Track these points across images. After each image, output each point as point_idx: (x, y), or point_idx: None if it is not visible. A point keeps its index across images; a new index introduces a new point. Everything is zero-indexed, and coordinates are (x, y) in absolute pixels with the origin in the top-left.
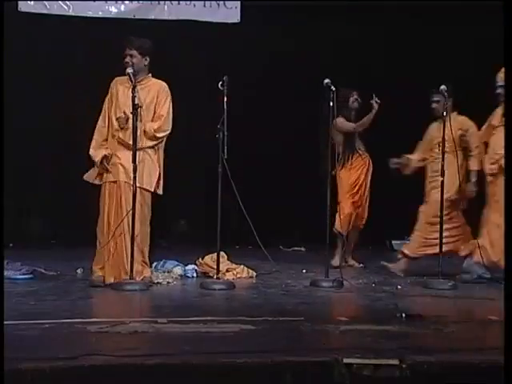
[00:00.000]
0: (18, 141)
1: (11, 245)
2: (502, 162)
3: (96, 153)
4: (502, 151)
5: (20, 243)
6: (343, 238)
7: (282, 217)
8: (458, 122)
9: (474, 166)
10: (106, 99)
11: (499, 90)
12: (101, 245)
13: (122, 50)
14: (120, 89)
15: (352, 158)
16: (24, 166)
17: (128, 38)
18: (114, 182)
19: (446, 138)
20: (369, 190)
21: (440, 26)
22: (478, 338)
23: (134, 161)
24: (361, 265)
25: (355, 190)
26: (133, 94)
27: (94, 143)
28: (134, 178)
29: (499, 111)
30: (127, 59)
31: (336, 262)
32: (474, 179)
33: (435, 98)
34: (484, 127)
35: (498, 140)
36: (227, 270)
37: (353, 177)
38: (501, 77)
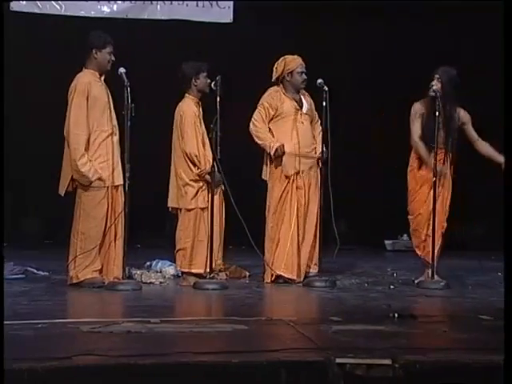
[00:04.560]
0: (15, 140)
1: (5, 244)
2: None
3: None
4: None
5: (14, 243)
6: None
7: None
8: None
9: None
10: (79, 101)
11: None
12: (97, 247)
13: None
14: (94, 88)
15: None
16: (19, 166)
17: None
18: (116, 186)
19: None
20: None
21: (440, 26)
22: (470, 338)
23: (128, 161)
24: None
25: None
26: (126, 93)
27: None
28: (129, 178)
29: None
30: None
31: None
32: None
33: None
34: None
35: None
36: (220, 270)
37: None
38: None
